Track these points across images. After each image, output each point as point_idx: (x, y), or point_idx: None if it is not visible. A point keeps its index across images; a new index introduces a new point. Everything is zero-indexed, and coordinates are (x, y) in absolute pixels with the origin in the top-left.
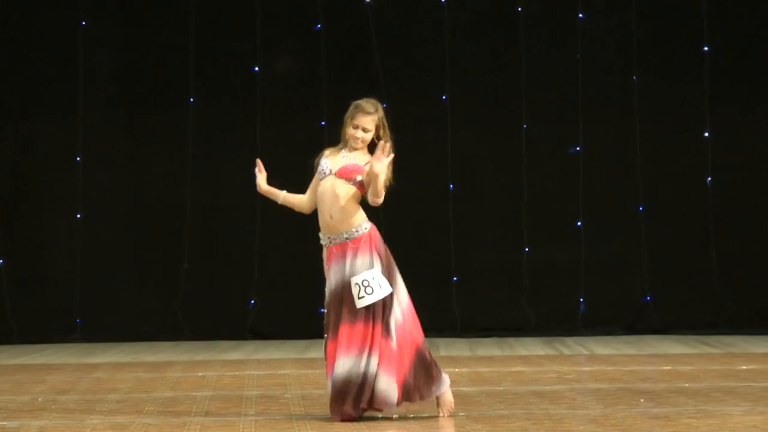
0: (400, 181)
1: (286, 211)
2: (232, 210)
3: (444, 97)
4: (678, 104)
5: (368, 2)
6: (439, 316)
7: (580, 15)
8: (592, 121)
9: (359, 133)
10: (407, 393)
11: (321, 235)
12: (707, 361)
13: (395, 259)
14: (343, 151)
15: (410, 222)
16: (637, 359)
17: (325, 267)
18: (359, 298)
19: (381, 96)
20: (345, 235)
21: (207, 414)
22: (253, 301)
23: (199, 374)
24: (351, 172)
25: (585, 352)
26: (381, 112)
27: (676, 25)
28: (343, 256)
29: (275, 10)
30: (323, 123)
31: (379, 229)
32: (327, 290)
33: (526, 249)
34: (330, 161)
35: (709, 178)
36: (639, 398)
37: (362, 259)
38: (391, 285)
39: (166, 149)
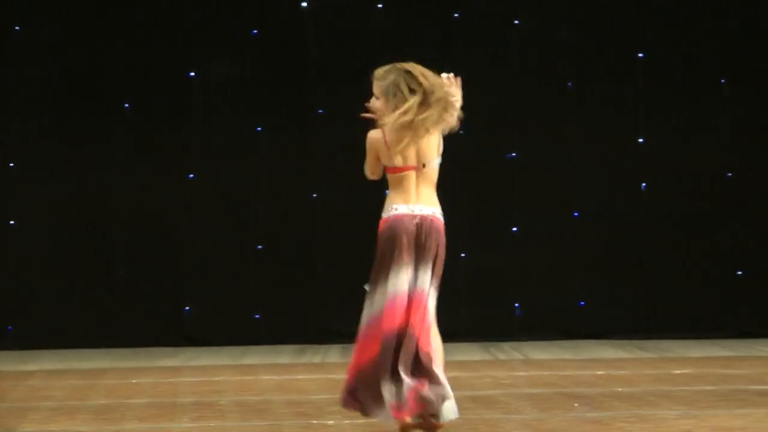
0: (338, 187)
1: (221, 215)
2: (166, 216)
3: None
4: (612, 110)
5: (305, 7)
6: None
7: (516, 21)
8: (528, 127)
9: (372, 101)
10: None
11: None
12: (642, 366)
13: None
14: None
15: (347, 227)
16: (573, 364)
17: None
18: None
19: (317, 102)
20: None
21: (141, 421)
22: (188, 308)
23: (134, 381)
24: None
25: (520, 357)
26: (390, 77)
27: (611, 31)
28: None
29: (211, 16)
30: (259, 129)
31: (315, 234)
32: None
33: (462, 254)
34: None
35: (644, 184)
36: (574, 403)
37: None
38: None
39: (100, 155)
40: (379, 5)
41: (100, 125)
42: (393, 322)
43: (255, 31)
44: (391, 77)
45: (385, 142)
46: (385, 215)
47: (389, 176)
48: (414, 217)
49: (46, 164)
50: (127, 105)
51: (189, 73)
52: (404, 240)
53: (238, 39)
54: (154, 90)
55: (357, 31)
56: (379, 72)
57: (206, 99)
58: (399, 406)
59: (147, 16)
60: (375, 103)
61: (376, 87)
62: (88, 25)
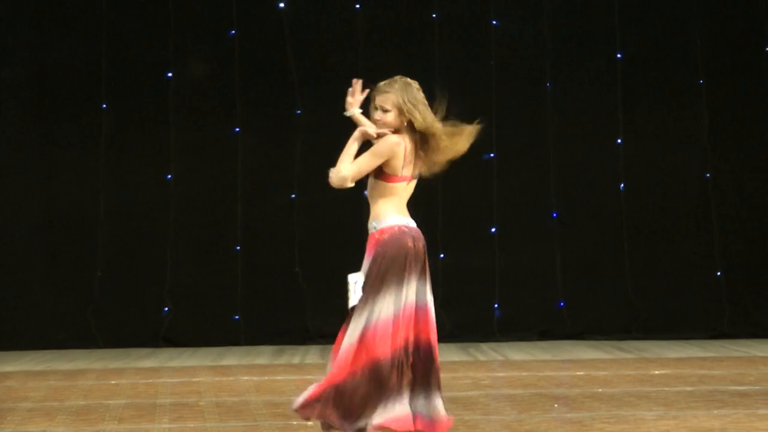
0: (314, 188)
1: (199, 216)
2: (145, 217)
3: None
4: (591, 111)
5: (282, 8)
6: None
7: (494, 22)
8: (506, 127)
9: (377, 114)
10: (311, 406)
11: None
12: (621, 366)
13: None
14: None
15: (324, 229)
16: (552, 365)
17: None
18: (348, 298)
19: (295, 102)
20: (369, 226)
21: (120, 422)
22: (167, 309)
23: (113, 382)
24: None
25: (500, 357)
26: (402, 91)
27: (589, 32)
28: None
29: (189, 16)
30: (237, 129)
31: (294, 235)
32: None
33: (441, 255)
34: None
35: (622, 185)
36: (553, 403)
37: (365, 259)
38: (368, 298)
39: (79, 156)
40: (357, 6)
41: (77, 126)
42: (401, 337)
43: (232, 32)
44: (397, 87)
45: (405, 150)
46: (387, 225)
47: (384, 185)
48: (415, 230)
49: (25, 165)
50: (104, 105)
51: (167, 74)
52: (412, 254)
53: (216, 39)
54: (132, 90)
55: (335, 31)
56: (383, 85)
57: (184, 99)
58: (430, 421)
59: (124, 16)
60: (385, 116)
61: (385, 99)
62: (66, 27)
